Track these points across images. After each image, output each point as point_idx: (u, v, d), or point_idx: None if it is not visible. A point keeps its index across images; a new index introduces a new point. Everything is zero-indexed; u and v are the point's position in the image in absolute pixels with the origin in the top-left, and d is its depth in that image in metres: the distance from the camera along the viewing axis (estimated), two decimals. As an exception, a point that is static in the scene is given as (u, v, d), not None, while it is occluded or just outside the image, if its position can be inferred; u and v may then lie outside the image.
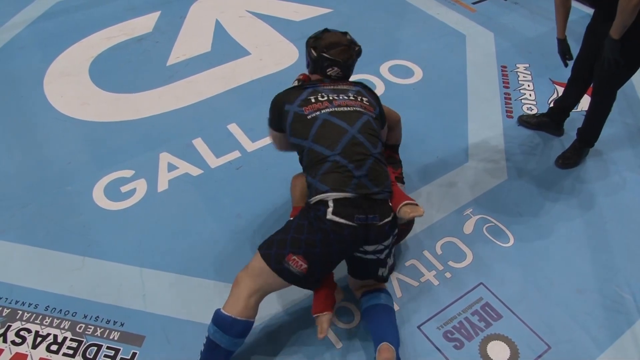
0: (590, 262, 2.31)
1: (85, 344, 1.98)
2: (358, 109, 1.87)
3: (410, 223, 2.17)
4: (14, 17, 3.99)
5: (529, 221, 2.49)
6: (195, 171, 2.72)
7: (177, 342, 1.99)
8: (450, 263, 2.29)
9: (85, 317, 2.07)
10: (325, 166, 1.76)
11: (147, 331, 2.03)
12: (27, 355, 1.94)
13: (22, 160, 2.79)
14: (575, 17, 3.20)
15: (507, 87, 3.35)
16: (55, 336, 2.00)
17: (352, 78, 2.08)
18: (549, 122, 2.96)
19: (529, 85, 3.37)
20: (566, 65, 2.65)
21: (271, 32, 3.84)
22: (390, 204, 1.83)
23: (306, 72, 2.12)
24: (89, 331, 2.02)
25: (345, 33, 2.04)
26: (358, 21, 4.00)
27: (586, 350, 1.99)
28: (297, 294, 2.11)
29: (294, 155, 2.01)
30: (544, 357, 1.97)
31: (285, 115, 1.88)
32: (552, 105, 3.03)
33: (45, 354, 1.95)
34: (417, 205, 1.84)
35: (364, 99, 1.93)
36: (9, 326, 2.03)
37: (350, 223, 1.70)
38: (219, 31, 3.86)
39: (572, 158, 2.76)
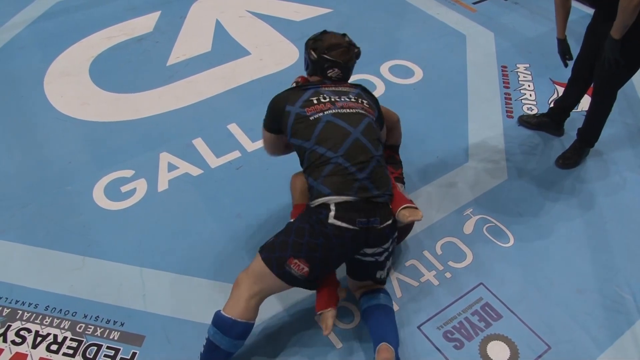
0: (591, 262, 2.31)
1: (85, 343, 1.98)
2: (360, 111, 1.87)
3: (409, 224, 2.17)
4: (14, 17, 3.99)
5: (529, 221, 2.49)
6: (195, 171, 2.72)
7: (177, 342, 1.99)
8: (450, 263, 2.29)
9: (85, 317, 2.07)
10: (327, 168, 1.75)
11: (147, 331, 2.03)
12: (27, 355, 1.94)
13: (22, 160, 2.79)
14: (575, 17, 3.20)
15: (508, 87, 3.35)
16: (55, 336, 2.00)
17: (353, 78, 2.08)
18: (549, 122, 2.96)
19: (529, 85, 3.37)
20: (566, 65, 2.65)
21: (271, 32, 3.84)
22: (390, 207, 1.83)
23: (304, 74, 2.11)
24: (89, 331, 2.02)
25: (344, 35, 2.04)
26: (358, 21, 4.00)
27: (586, 351, 1.99)
28: (297, 295, 2.11)
29: (293, 155, 2.00)
30: (544, 357, 1.97)
31: (286, 117, 1.87)
32: (552, 105, 3.03)
33: (45, 354, 1.95)
34: (416, 208, 1.84)
35: (365, 101, 1.93)
36: (9, 326, 2.03)
37: (351, 227, 1.70)
38: (219, 31, 3.86)
39: (572, 158, 2.76)
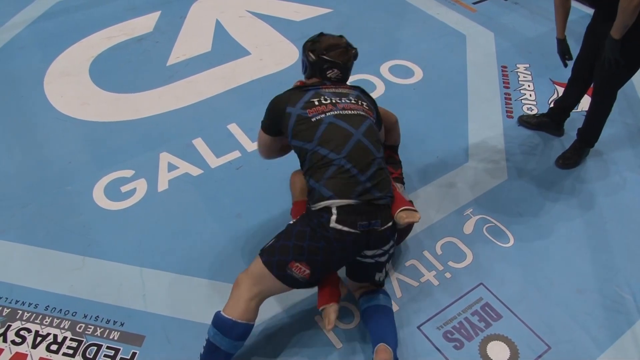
0: (591, 262, 2.31)
1: (85, 343, 1.98)
2: (361, 113, 1.87)
3: (409, 226, 2.17)
4: (14, 17, 3.99)
5: (529, 221, 2.48)
6: (195, 171, 2.72)
7: (177, 342, 1.99)
8: (450, 263, 2.29)
9: (85, 316, 2.07)
10: (330, 170, 1.74)
11: (147, 331, 2.03)
12: (27, 354, 1.94)
13: (22, 160, 2.79)
14: (575, 17, 3.20)
15: (508, 87, 3.35)
16: (55, 336, 2.00)
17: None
18: (549, 122, 2.96)
19: (529, 86, 3.37)
20: (566, 65, 2.65)
21: (271, 32, 3.84)
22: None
23: (302, 78, 2.09)
24: (89, 331, 2.02)
25: (341, 36, 2.03)
26: (358, 21, 4.00)
27: (586, 351, 1.99)
28: (297, 296, 2.11)
29: (293, 155, 2.00)
30: (544, 357, 1.97)
31: (287, 118, 1.85)
32: (552, 105, 3.03)
33: (45, 354, 1.95)
34: (414, 210, 1.84)
35: (364, 103, 1.93)
36: (9, 326, 2.03)
37: (353, 231, 1.70)
38: (219, 31, 3.86)
39: (572, 158, 2.76)
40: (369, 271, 1.92)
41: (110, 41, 3.74)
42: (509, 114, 3.13)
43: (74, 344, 1.98)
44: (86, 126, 3.02)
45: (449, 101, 3.22)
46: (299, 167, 1.97)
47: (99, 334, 2.01)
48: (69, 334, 2.01)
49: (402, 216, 1.81)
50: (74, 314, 2.08)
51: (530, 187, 2.66)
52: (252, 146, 2.85)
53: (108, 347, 1.97)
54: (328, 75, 1.96)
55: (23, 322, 2.04)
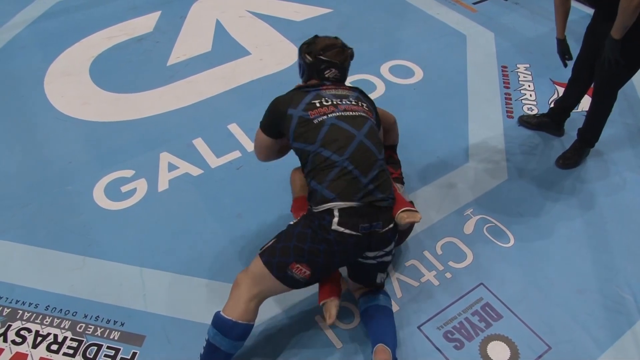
0: (591, 262, 2.31)
1: (85, 343, 1.98)
2: (362, 114, 1.87)
3: (410, 227, 2.17)
4: (15, 16, 3.99)
5: (530, 221, 2.48)
6: (195, 171, 2.72)
7: (178, 342, 1.99)
8: (451, 263, 2.29)
9: (85, 316, 2.07)
10: (332, 172, 1.74)
11: (148, 331, 2.03)
12: (27, 354, 1.94)
13: (22, 160, 2.79)
14: (575, 17, 3.20)
15: (508, 88, 3.35)
16: (56, 336, 2.00)
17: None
18: (550, 122, 2.96)
19: (529, 86, 3.37)
20: (565, 65, 2.65)
21: (271, 32, 3.84)
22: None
23: (299, 82, 2.08)
24: (89, 331, 2.02)
25: (336, 37, 2.03)
26: (358, 21, 4.00)
27: (587, 351, 1.99)
28: (297, 296, 2.11)
29: (293, 155, 2.00)
30: (545, 358, 1.97)
31: (288, 120, 1.84)
32: (552, 105, 3.03)
33: (45, 354, 1.95)
34: (415, 211, 1.84)
35: (364, 104, 1.93)
36: (10, 326, 2.03)
37: (354, 233, 1.70)
38: (220, 31, 3.86)
39: (572, 158, 2.76)
40: (370, 273, 1.92)
41: (111, 41, 3.74)
42: (509, 114, 3.13)
43: (75, 344, 1.98)
44: (86, 126, 3.02)
45: (449, 101, 3.22)
46: (298, 165, 1.96)
47: (99, 334, 2.01)
48: (69, 334, 2.01)
49: (403, 216, 1.81)
50: (74, 313, 2.08)
51: (530, 187, 2.66)
52: (252, 146, 2.83)
53: (108, 347, 1.97)
54: (326, 76, 1.96)
55: (23, 322, 2.04)
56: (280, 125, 1.88)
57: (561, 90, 3.06)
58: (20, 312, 2.08)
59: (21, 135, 2.95)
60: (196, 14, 4.06)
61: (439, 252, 2.34)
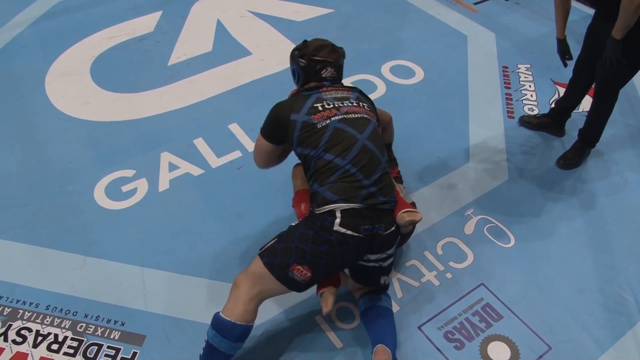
0: (592, 263, 2.31)
1: (85, 343, 1.99)
2: (364, 116, 1.86)
3: (412, 229, 2.17)
4: (16, 16, 4.00)
5: (530, 221, 2.48)
6: (196, 171, 2.72)
7: (178, 342, 1.99)
8: (451, 263, 2.29)
9: (86, 316, 2.07)
10: (335, 174, 1.74)
11: (148, 331, 2.03)
12: (27, 354, 1.94)
13: (23, 160, 2.80)
14: (576, 17, 3.20)
15: (509, 88, 3.34)
16: (56, 335, 2.00)
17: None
18: (550, 122, 2.96)
19: (530, 86, 3.37)
20: (565, 65, 2.65)
21: (272, 32, 3.84)
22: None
23: (294, 89, 2.05)
24: (89, 330, 2.02)
25: (325, 39, 2.03)
26: (359, 21, 4.00)
27: (587, 351, 1.99)
28: (297, 297, 2.10)
29: (294, 155, 2.00)
30: (545, 358, 1.96)
31: (292, 126, 1.82)
32: (553, 105, 3.02)
33: (46, 353, 1.95)
34: (415, 211, 1.84)
35: (365, 104, 1.93)
36: (10, 325, 2.03)
37: (356, 234, 1.70)
38: (220, 31, 3.87)
39: (573, 158, 2.76)
40: (372, 275, 1.92)
41: (112, 41, 3.75)
42: (510, 115, 3.13)
43: (75, 344, 1.98)
44: (87, 126, 3.02)
45: (450, 101, 3.22)
46: (299, 162, 1.96)
47: (99, 334, 2.01)
48: (69, 334, 2.01)
49: (403, 216, 1.81)
50: (74, 313, 2.08)
51: (531, 187, 2.66)
52: (253, 146, 2.84)
53: (109, 347, 1.97)
54: (323, 75, 1.95)
55: (24, 322, 2.04)
56: (283, 131, 1.87)
57: (562, 90, 3.06)
58: (21, 311, 2.08)
59: (22, 135, 2.95)
60: (197, 14, 4.06)
61: (440, 252, 2.34)
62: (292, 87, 2.08)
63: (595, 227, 2.47)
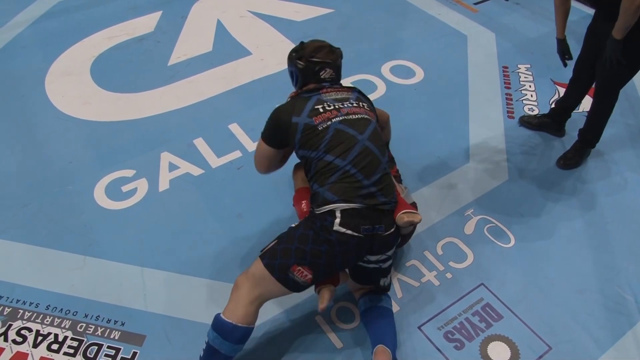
0: (592, 263, 2.31)
1: (86, 343, 1.99)
2: (365, 116, 1.86)
3: (412, 230, 2.17)
4: (16, 16, 4.00)
5: (530, 222, 2.48)
6: (196, 171, 2.72)
7: (178, 342, 1.99)
8: (451, 263, 2.29)
9: (86, 316, 2.07)
10: (335, 175, 1.74)
11: (148, 331, 2.03)
12: (27, 354, 1.94)
13: (23, 160, 2.80)
14: (576, 17, 3.20)
15: (509, 88, 3.34)
16: (56, 335, 2.00)
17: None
18: (550, 122, 2.96)
19: (530, 86, 3.37)
20: (565, 65, 2.65)
21: (272, 32, 3.84)
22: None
23: (292, 91, 2.05)
24: (89, 330, 2.02)
25: (323, 40, 2.02)
26: (359, 21, 4.00)
27: (587, 351, 1.99)
28: (298, 297, 2.10)
29: (293, 154, 2.00)
30: (545, 358, 1.96)
31: (294, 129, 1.82)
32: (553, 105, 3.02)
33: (46, 353, 1.95)
34: (415, 212, 1.84)
35: (364, 104, 1.93)
36: (10, 325, 2.03)
37: (356, 234, 1.70)
38: (220, 31, 3.87)
39: (573, 159, 2.76)
40: (372, 277, 1.92)
41: (112, 41, 3.75)
42: (510, 115, 3.13)
43: (75, 344, 1.98)
44: (87, 126, 3.02)
45: (450, 101, 3.22)
46: (298, 162, 1.96)
47: (99, 334, 2.01)
48: (69, 334, 2.01)
49: (402, 217, 1.81)
50: (74, 313, 2.08)
51: (531, 187, 2.66)
52: (253, 146, 2.85)
53: (109, 347, 1.97)
54: (322, 77, 1.94)
55: (24, 322, 2.05)
56: (284, 135, 1.86)
57: (562, 90, 3.06)
58: (21, 311, 2.08)
59: (22, 135, 2.95)
60: (197, 14, 4.06)
61: (440, 252, 2.34)
62: (292, 87, 2.08)
63: (595, 227, 2.47)
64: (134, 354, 1.95)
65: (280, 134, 1.88)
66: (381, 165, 1.80)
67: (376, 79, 3.38)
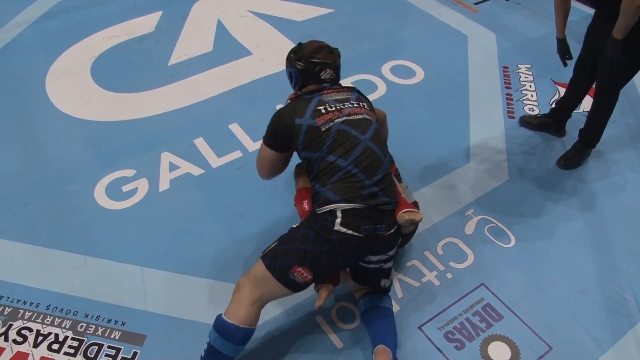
0: (592, 263, 2.31)
1: (86, 343, 1.99)
2: (366, 116, 1.87)
3: (413, 230, 2.17)
4: (16, 16, 4.00)
5: (530, 222, 2.48)
6: (196, 171, 2.72)
7: (178, 342, 1.99)
8: (452, 263, 2.29)
9: (86, 316, 2.07)
10: (336, 175, 1.74)
11: (148, 330, 2.03)
12: (28, 354, 1.94)
13: (23, 160, 2.80)
14: (576, 17, 3.20)
15: (509, 88, 3.34)
16: (57, 335, 2.00)
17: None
18: (551, 122, 2.96)
19: (530, 86, 3.37)
20: (565, 65, 2.65)
21: (273, 32, 3.84)
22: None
23: (291, 93, 2.04)
24: (90, 330, 2.02)
25: (321, 41, 2.02)
26: (359, 21, 4.00)
27: (587, 351, 1.99)
28: (298, 297, 2.10)
29: (294, 155, 2.00)
30: (545, 358, 1.96)
31: (297, 130, 1.81)
32: (553, 105, 3.02)
33: (46, 353, 1.95)
34: (416, 211, 1.84)
35: (364, 104, 1.93)
36: (11, 325, 2.03)
37: (357, 234, 1.70)
38: (221, 31, 3.87)
39: (573, 159, 2.76)
40: (373, 277, 1.92)
41: (112, 41, 3.75)
42: (510, 115, 3.13)
43: (75, 344, 1.98)
44: (87, 126, 3.02)
45: (450, 101, 3.22)
46: (299, 162, 1.96)
47: (100, 334, 2.01)
48: (70, 334, 2.01)
49: (403, 215, 1.81)
50: (75, 313, 2.08)
51: (531, 187, 2.66)
52: (253, 146, 2.85)
53: (109, 347, 1.97)
54: (322, 77, 1.94)
55: (24, 322, 2.05)
56: (287, 138, 1.86)
57: (562, 90, 3.06)
58: (22, 311, 2.08)
59: (22, 135, 2.95)
60: (197, 14, 4.06)
61: (440, 252, 2.34)
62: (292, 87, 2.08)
63: (595, 227, 2.46)
64: (135, 354, 1.95)
65: (283, 137, 1.87)
66: (383, 165, 1.80)
67: (376, 79, 3.38)
